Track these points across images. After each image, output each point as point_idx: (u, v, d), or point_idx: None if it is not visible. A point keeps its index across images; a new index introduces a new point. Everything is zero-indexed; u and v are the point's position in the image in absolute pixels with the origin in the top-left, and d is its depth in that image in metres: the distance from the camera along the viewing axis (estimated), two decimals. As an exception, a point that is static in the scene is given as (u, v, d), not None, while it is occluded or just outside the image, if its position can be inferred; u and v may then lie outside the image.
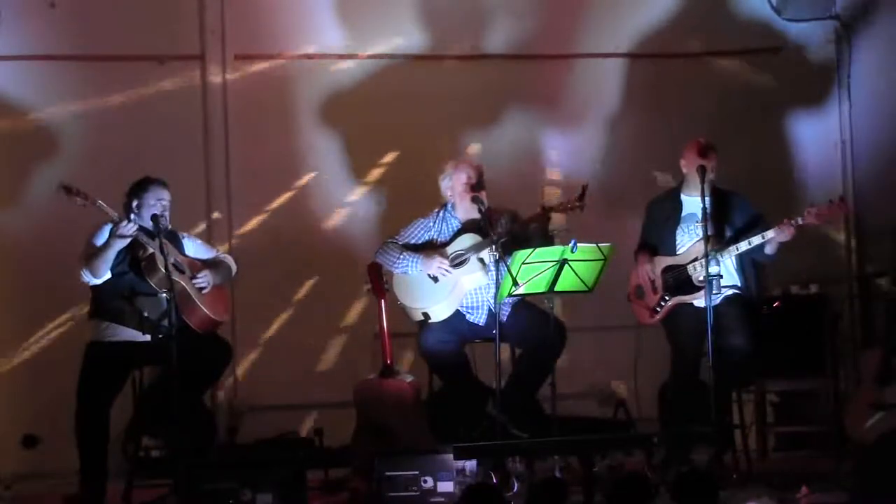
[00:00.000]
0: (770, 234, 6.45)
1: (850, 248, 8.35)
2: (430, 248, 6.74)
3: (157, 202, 6.36)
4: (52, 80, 7.83)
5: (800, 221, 6.45)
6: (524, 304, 6.64)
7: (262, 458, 6.18)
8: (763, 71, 8.40)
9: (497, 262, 6.26)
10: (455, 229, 6.78)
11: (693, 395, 6.49)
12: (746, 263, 6.66)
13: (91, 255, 6.26)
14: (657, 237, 6.80)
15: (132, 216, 6.26)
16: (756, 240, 6.48)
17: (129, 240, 6.18)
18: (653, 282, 6.70)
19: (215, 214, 7.94)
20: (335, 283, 7.98)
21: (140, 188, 6.41)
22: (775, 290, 7.68)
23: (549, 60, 8.33)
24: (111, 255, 6.21)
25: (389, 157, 8.13)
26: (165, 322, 6.16)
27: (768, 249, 6.55)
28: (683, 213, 6.74)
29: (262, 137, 8.04)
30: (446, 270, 6.62)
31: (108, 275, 6.28)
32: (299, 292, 8.00)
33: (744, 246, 6.50)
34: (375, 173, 8.15)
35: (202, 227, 7.81)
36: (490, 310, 6.61)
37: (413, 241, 6.81)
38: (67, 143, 7.80)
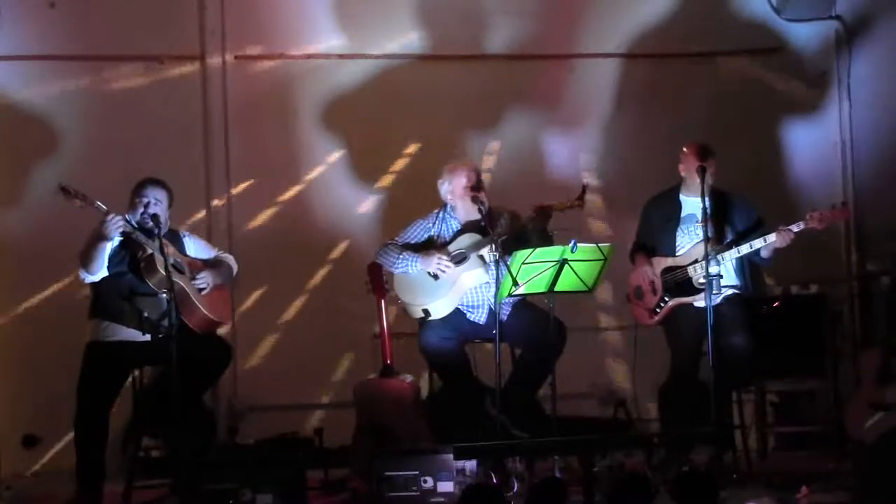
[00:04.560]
0: (771, 237, 6.45)
1: (850, 248, 8.35)
2: (430, 248, 6.74)
3: (153, 199, 6.35)
4: (53, 79, 7.84)
5: (801, 226, 6.46)
6: (525, 304, 6.64)
7: (262, 458, 6.18)
8: (763, 71, 8.40)
9: (497, 261, 6.26)
10: (455, 230, 6.77)
11: (693, 395, 6.49)
12: (746, 263, 6.66)
13: (84, 252, 6.25)
14: (656, 238, 6.80)
15: (111, 215, 6.23)
16: (757, 243, 6.48)
17: (116, 237, 6.17)
18: (652, 283, 6.70)
19: (215, 215, 7.94)
20: (335, 283, 7.99)
21: (137, 187, 6.42)
22: (775, 290, 7.68)
23: (549, 60, 8.34)
24: (102, 253, 6.20)
25: (389, 157, 8.13)
26: (165, 322, 6.16)
27: (764, 253, 6.56)
28: (683, 214, 6.73)
29: (262, 137, 8.05)
30: (446, 266, 6.61)
31: (105, 272, 6.27)
32: (299, 292, 8.00)
33: (745, 249, 6.50)
34: (375, 173, 8.15)
35: (202, 226, 7.82)
36: (490, 309, 6.61)
37: (413, 242, 6.81)
38: (67, 143, 7.80)
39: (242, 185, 8.01)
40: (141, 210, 6.33)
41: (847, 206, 6.89)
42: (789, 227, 6.45)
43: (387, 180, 8.15)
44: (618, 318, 7.80)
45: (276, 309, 7.98)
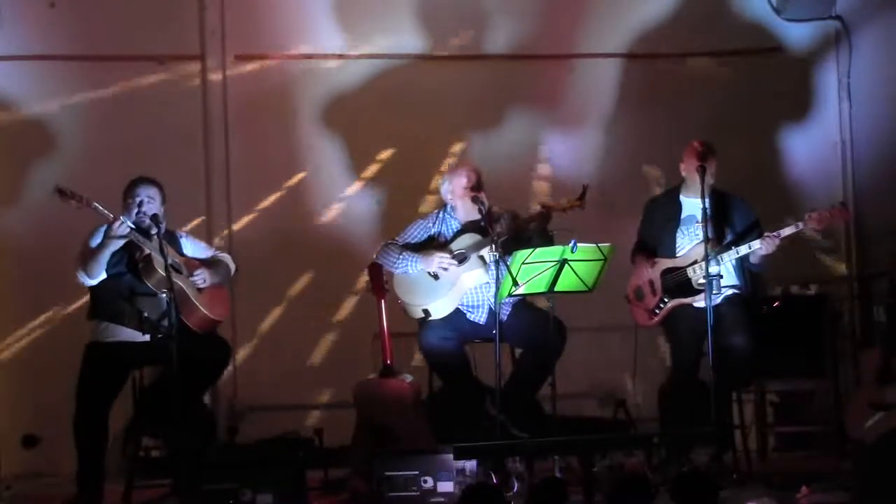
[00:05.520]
0: (756, 244, 6.45)
1: (850, 249, 8.35)
2: (430, 248, 6.74)
3: (145, 197, 6.35)
4: (52, 79, 7.84)
5: (800, 227, 6.46)
6: (524, 304, 6.65)
7: (262, 458, 6.18)
8: (763, 71, 8.39)
9: (497, 261, 6.26)
10: (455, 231, 6.77)
11: (693, 395, 6.49)
12: (745, 264, 6.66)
13: (85, 255, 6.26)
14: (657, 239, 6.79)
15: (122, 217, 6.25)
16: (743, 249, 6.48)
17: (123, 240, 6.18)
18: (652, 284, 6.70)
19: (215, 214, 7.95)
20: (334, 283, 8.00)
21: (131, 186, 6.41)
22: (775, 290, 7.68)
23: (549, 60, 8.33)
24: (105, 256, 6.21)
25: (389, 157, 8.13)
26: (165, 322, 6.16)
27: (753, 259, 6.56)
28: (683, 215, 6.73)
29: (262, 137, 8.05)
30: (449, 263, 6.60)
31: (104, 276, 6.27)
32: (299, 291, 8.00)
33: (744, 250, 6.49)
34: (375, 173, 8.15)
35: (202, 226, 7.82)
36: (490, 309, 6.61)
37: (413, 242, 6.80)
38: (67, 143, 7.80)
39: (243, 184, 8.00)
40: (135, 210, 6.33)
41: (846, 207, 6.87)
42: (775, 232, 6.44)
43: (387, 180, 8.14)
44: (618, 318, 7.78)
45: (276, 308, 7.97)
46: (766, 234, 6.46)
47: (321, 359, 7.95)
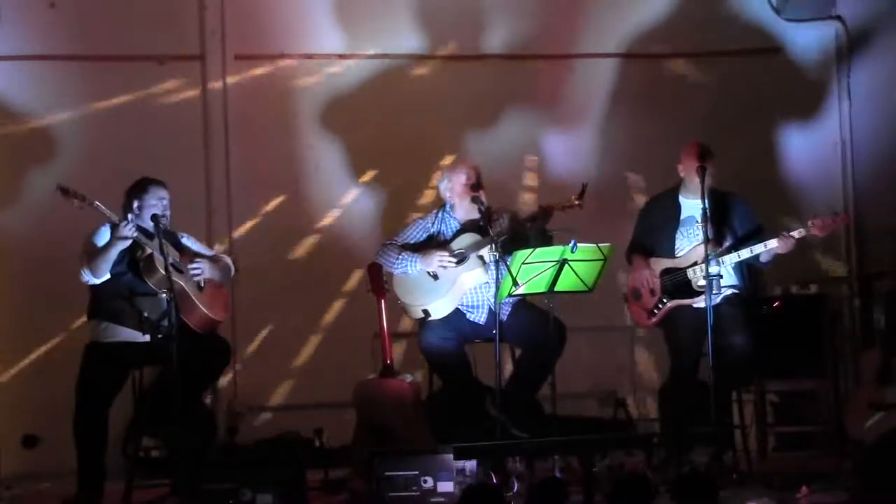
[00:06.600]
0: (773, 243, 6.44)
1: (850, 248, 8.35)
2: (429, 247, 6.73)
3: (158, 202, 6.37)
4: (52, 80, 7.83)
5: (803, 233, 6.45)
6: (524, 304, 6.64)
7: (262, 458, 6.18)
8: (762, 71, 8.39)
9: (497, 261, 6.26)
10: (454, 230, 6.77)
11: (693, 395, 6.48)
12: (744, 264, 6.65)
13: (92, 255, 6.25)
14: (655, 239, 6.78)
15: (130, 216, 6.26)
16: (758, 248, 6.47)
17: (130, 240, 6.19)
18: (650, 285, 6.68)
19: (215, 215, 7.94)
20: (335, 283, 7.99)
21: (140, 189, 6.41)
22: (775, 290, 7.68)
23: (549, 60, 8.34)
24: (112, 255, 6.21)
25: (389, 157, 8.13)
26: (165, 322, 6.16)
27: (764, 258, 6.55)
28: (682, 216, 6.72)
29: (262, 137, 8.05)
30: (448, 261, 6.59)
31: (108, 275, 6.28)
32: (299, 292, 7.99)
33: (745, 254, 6.49)
34: (375, 173, 8.15)
35: (202, 227, 7.80)
36: (490, 309, 6.61)
37: (412, 242, 6.80)
38: (67, 144, 7.80)
39: (243, 184, 8.00)
40: (160, 212, 6.30)
41: (847, 213, 6.88)
42: (791, 233, 6.44)
43: (386, 180, 8.14)
44: (618, 319, 7.79)
45: (276, 309, 7.97)
46: (783, 233, 6.45)
47: (321, 359, 7.94)
